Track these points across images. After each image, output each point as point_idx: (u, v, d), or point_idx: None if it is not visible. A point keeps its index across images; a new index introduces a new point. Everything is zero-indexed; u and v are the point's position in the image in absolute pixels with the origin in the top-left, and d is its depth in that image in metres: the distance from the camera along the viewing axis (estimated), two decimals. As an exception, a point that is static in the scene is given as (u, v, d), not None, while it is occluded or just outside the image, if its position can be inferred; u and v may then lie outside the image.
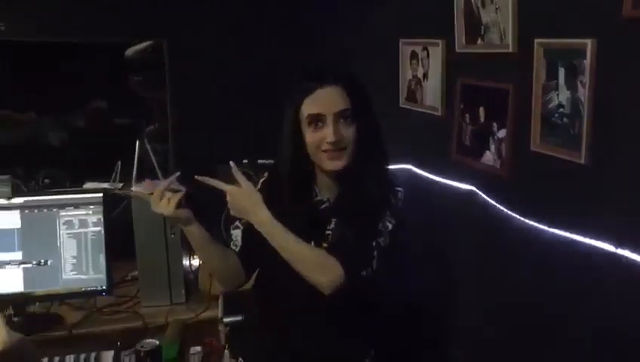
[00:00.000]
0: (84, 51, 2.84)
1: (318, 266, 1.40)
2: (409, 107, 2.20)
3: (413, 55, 2.13)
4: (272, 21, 2.77)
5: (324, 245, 1.48)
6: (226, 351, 1.82)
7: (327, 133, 1.44)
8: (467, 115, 1.83)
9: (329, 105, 1.45)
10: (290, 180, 1.50)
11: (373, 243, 1.45)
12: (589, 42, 1.31)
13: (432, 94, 2.03)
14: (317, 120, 1.45)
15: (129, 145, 2.52)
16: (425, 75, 2.07)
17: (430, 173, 2.08)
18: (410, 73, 2.17)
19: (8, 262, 2.02)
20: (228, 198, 1.47)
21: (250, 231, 1.51)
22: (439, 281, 2.10)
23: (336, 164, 1.46)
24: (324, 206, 1.54)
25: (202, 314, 2.14)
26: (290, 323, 1.54)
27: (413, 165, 2.19)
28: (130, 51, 2.87)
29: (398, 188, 1.56)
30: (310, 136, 1.46)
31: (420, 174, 2.15)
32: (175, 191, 1.50)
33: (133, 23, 2.63)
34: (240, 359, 1.57)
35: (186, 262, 2.35)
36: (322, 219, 1.53)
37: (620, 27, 1.24)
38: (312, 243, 1.47)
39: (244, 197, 1.45)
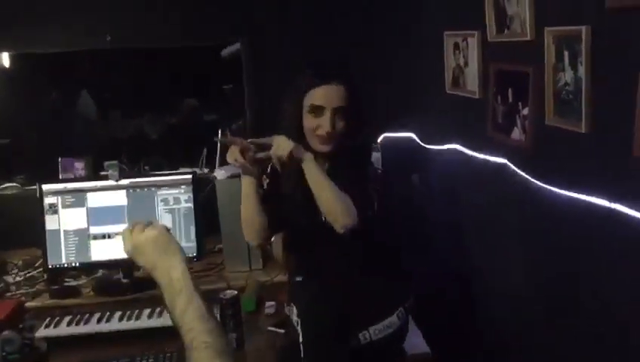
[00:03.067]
0: (179, 55, 3.27)
1: (343, 207, 1.70)
2: (454, 92, 2.45)
3: (456, 46, 2.38)
4: (342, 19, 2.99)
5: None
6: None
7: (324, 123, 1.76)
8: (499, 96, 2.06)
9: (330, 100, 1.76)
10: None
11: (370, 188, 1.75)
12: (583, 29, 1.54)
13: (471, 80, 2.28)
14: (317, 110, 1.77)
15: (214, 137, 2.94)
16: (465, 63, 2.31)
17: (472, 150, 2.33)
18: (453, 62, 2.42)
19: (118, 233, 2.45)
20: (274, 143, 1.76)
21: (269, 194, 1.83)
22: (480, 245, 2.34)
23: (325, 148, 1.79)
24: None
25: (276, 278, 2.49)
26: (325, 274, 1.87)
27: (459, 145, 2.44)
28: (225, 52, 3.26)
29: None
30: (308, 121, 1.79)
31: (464, 152, 2.40)
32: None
33: (219, 25, 2.96)
34: (292, 304, 1.89)
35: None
36: None
37: (606, 15, 1.46)
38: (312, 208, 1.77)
39: (287, 140, 1.75)
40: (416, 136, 2.87)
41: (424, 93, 2.75)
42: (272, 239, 2.69)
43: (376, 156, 2.22)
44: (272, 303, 2.30)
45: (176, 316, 1.17)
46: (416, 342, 2.06)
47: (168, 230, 1.33)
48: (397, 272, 1.91)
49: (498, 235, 2.19)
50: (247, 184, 1.86)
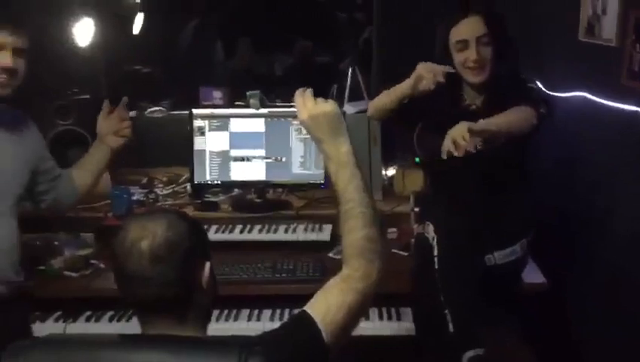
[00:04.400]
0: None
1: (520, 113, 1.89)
2: (587, 40, 2.48)
3: (594, -7, 2.40)
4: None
5: None
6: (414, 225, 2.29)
7: (470, 53, 1.93)
8: (637, 45, 2.10)
9: (472, 31, 1.93)
10: (445, 89, 1.95)
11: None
12: None
13: (609, 28, 2.30)
14: (462, 44, 1.93)
15: (339, 75, 3.12)
16: (603, 11, 2.34)
17: (601, 98, 2.37)
18: (590, 10, 2.44)
19: (255, 157, 2.70)
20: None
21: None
22: (602, 189, 2.41)
23: (479, 78, 1.92)
24: (472, 108, 1.99)
25: (396, 208, 2.67)
26: (462, 192, 2.04)
27: (587, 92, 2.49)
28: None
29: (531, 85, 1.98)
30: (457, 56, 1.96)
31: (592, 100, 2.44)
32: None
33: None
34: (426, 221, 2.06)
35: (383, 171, 2.90)
36: (471, 119, 1.88)
37: None
38: None
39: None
40: (541, 82, 2.92)
41: (554, 39, 2.78)
42: (394, 173, 2.89)
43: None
44: (394, 229, 2.50)
45: (339, 186, 1.33)
46: (533, 272, 2.18)
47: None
48: (526, 205, 2.04)
49: (622, 182, 2.26)
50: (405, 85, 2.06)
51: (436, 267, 1.85)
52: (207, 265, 1.21)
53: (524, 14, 2.91)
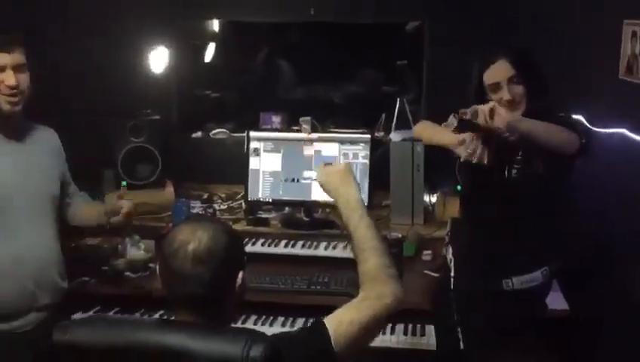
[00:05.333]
0: (365, 29, 3.63)
1: (563, 134, 1.99)
2: (627, 79, 2.55)
3: (634, 34, 2.47)
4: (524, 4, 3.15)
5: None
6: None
7: (504, 93, 2.03)
8: (669, 86, 2.16)
9: (501, 74, 2.05)
10: None
11: None
12: None
13: (645, 68, 2.37)
14: (495, 86, 2.05)
15: (391, 104, 3.29)
16: (641, 52, 2.41)
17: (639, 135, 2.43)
18: (629, 50, 2.51)
19: (305, 178, 2.89)
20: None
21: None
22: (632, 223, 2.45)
23: (514, 114, 2.00)
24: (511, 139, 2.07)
25: (434, 233, 2.80)
26: (485, 217, 2.15)
27: (627, 129, 2.55)
28: (409, 27, 3.58)
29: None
30: (492, 96, 2.07)
31: (630, 137, 2.50)
32: None
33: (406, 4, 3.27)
34: (449, 244, 2.18)
35: (426, 198, 3.03)
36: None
37: None
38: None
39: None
40: (584, 118, 2.98)
41: (597, 77, 2.85)
42: (435, 199, 3.01)
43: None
44: (429, 252, 2.63)
45: (351, 226, 1.54)
46: (556, 298, 2.26)
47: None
48: (550, 233, 2.12)
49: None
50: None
51: (451, 287, 1.98)
52: (240, 274, 1.41)
53: (570, 52, 3.00)
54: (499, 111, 1.90)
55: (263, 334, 1.31)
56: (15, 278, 2.00)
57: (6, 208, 1.99)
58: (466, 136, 1.99)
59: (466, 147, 1.97)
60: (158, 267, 1.43)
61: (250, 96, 3.86)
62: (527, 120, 1.94)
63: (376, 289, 1.45)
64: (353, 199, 1.58)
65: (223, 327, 1.36)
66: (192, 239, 1.35)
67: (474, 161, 1.94)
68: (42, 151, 2.17)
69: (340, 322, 1.39)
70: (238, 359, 1.21)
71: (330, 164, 1.73)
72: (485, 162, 1.97)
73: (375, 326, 1.45)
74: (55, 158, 2.22)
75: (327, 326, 1.37)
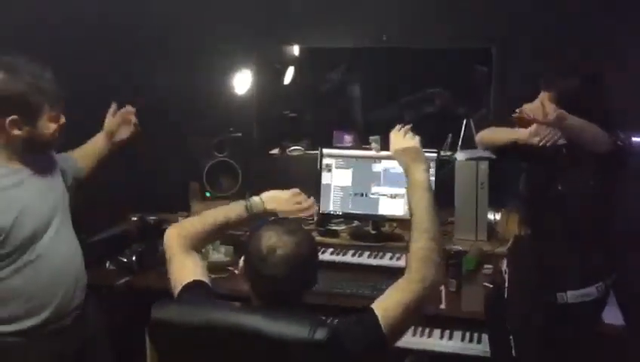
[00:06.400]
0: (437, 54, 3.79)
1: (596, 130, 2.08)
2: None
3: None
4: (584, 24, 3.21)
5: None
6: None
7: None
8: None
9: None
10: None
11: None
12: None
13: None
14: None
15: (459, 125, 3.43)
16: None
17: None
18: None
19: (373, 193, 3.08)
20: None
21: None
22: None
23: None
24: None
25: (497, 249, 2.91)
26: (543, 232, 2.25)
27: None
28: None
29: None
30: None
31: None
32: None
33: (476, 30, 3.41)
34: (506, 258, 2.30)
35: (490, 216, 3.14)
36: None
37: None
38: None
39: None
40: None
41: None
42: (499, 217, 3.12)
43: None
44: (490, 266, 2.75)
45: (412, 203, 1.71)
46: (612, 313, 2.32)
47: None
48: (605, 248, 2.20)
49: None
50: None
51: (505, 297, 2.10)
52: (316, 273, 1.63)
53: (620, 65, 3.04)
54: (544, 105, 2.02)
55: (325, 320, 1.50)
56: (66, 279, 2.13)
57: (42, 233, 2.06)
58: (535, 126, 2.12)
59: (536, 134, 2.11)
60: (244, 268, 1.62)
61: (325, 115, 4.09)
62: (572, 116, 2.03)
63: (421, 272, 1.59)
64: (420, 178, 1.74)
65: (291, 312, 1.56)
66: (280, 245, 1.53)
67: (548, 145, 2.06)
68: (45, 168, 2.18)
69: (386, 308, 1.55)
70: (304, 340, 1.41)
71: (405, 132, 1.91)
72: (559, 142, 2.09)
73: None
74: (57, 173, 2.24)
75: (376, 311, 1.54)
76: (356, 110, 4.13)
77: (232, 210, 1.91)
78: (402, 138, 1.88)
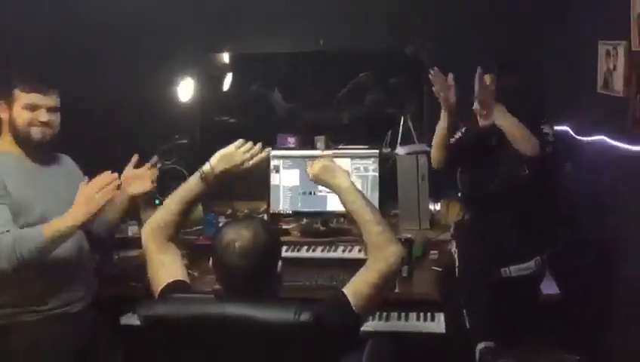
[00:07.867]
0: (367, 58, 3.99)
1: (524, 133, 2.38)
2: (604, 92, 2.89)
3: (607, 53, 2.82)
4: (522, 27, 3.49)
5: None
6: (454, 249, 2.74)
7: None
8: (638, 95, 2.50)
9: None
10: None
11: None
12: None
13: (618, 81, 2.71)
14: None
15: (395, 123, 3.63)
16: (614, 67, 2.75)
17: (616, 140, 2.76)
18: (605, 66, 2.86)
19: (320, 191, 3.21)
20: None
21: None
22: (621, 216, 2.76)
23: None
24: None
25: (440, 236, 3.11)
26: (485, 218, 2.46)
27: (606, 136, 2.88)
28: (408, 49, 3.91)
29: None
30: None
31: (609, 143, 2.83)
32: None
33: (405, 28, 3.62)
34: (453, 240, 2.50)
35: (431, 206, 3.35)
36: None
37: None
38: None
39: None
40: (570, 128, 3.32)
41: (579, 91, 3.20)
42: (439, 206, 3.34)
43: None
44: (435, 252, 2.94)
45: (348, 207, 1.86)
46: (548, 284, 2.57)
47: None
48: (541, 227, 2.44)
49: (633, 208, 2.62)
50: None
51: (456, 276, 2.30)
52: (279, 263, 1.72)
53: (559, 69, 3.35)
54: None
55: (306, 304, 1.61)
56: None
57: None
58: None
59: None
60: (211, 262, 1.72)
61: (263, 120, 4.20)
62: (510, 116, 2.27)
63: (381, 253, 1.75)
64: (345, 186, 1.88)
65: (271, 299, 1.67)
66: (238, 238, 1.64)
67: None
68: (62, 173, 2.39)
69: (355, 289, 1.70)
70: (290, 322, 1.52)
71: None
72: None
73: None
74: (71, 179, 2.37)
75: (346, 293, 1.69)
76: (295, 114, 4.27)
77: (190, 185, 1.97)
78: (311, 166, 2.00)
